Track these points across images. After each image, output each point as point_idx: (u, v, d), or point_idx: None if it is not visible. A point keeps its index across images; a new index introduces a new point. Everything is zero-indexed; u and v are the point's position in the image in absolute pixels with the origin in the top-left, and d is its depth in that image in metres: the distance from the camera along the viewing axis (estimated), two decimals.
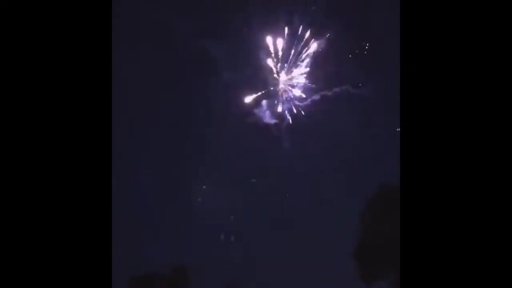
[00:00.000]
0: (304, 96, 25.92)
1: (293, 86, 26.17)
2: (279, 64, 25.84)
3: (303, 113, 25.88)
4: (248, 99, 25.70)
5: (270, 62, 25.64)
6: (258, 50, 25.25)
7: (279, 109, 26.15)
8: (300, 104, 25.97)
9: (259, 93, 25.87)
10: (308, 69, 25.69)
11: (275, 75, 26.01)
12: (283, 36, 25.14)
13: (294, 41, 25.32)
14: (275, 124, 25.72)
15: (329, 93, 25.20)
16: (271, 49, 25.34)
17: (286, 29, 25.05)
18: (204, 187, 24.88)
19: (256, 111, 25.65)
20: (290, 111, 26.00)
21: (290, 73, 26.02)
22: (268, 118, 25.74)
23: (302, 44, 25.33)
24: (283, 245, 23.30)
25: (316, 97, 25.57)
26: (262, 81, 25.76)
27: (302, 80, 25.91)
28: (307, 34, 25.03)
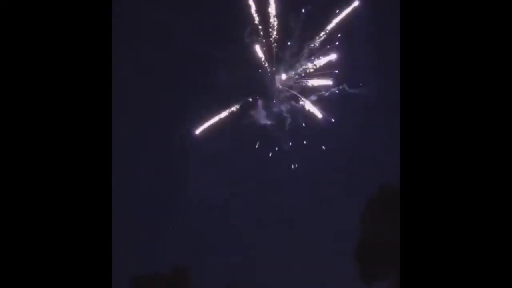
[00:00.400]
0: (302, 96, 25.59)
1: (290, 87, 25.81)
2: (274, 65, 25.48)
3: (300, 114, 25.59)
4: (245, 99, 25.42)
5: (267, 62, 25.33)
6: (256, 50, 25.00)
7: (277, 109, 25.80)
8: (297, 104, 25.66)
9: (257, 94, 25.56)
10: (306, 69, 25.39)
11: (272, 75, 25.62)
12: (279, 36, 24.85)
13: (290, 41, 24.98)
14: (273, 124, 25.44)
15: (328, 93, 25.00)
16: (267, 49, 25.01)
17: (282, 29, 24.70)
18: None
19: (253, 111, 25.36)
20: (288, 111, 25.69)
21: (287, 73, 25.69)
22: (265, 119, 25.42)
23: (298, 44, 25.06)
24: (283, 245, 23.26)
25: (314, 97, 25.34)
26: (260, 81, 25.52)
27: (300, 80, 25.57)
28: (305, 35, 24.80)
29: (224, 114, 25.00)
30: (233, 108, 25.08)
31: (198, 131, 24.57)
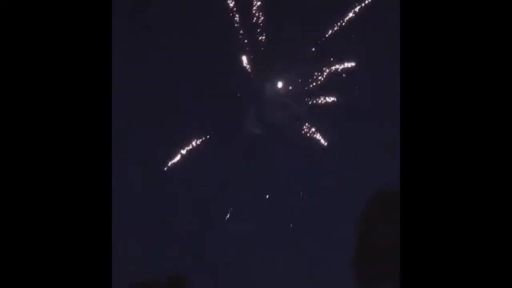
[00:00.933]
0: (297, 100, 24.92)
1: (285, 97, 24.96)
2: (265, 72, 24.64)
3: (297, 118, 24.99)
4: (234, 110, 24.75)
5: (255, 70, 24.57)
6: (242, 60, 24.44)
7: (272, 115, 24.99)
8: (292, 110, 24.99)
9: (246, 105, 24.84)
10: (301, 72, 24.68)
11: (262, 84, 24.83)
12: (269, 41, 24.23)
13: (284, 42, 24.24)
14: (268, 131, 24.77)
15: (325, 96, 24.59)
16: (256, 56, 24.22)
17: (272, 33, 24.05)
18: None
19: (246, 117, 24.74)
20: (284, 117, 24.99)
21: (281, 82, 24.77)
22: (260, 126, 24.72)
23: (294, 47, 24.39)
24: (281, 249, 23.34)
25: (310, 101, 24.89)
26: (248, 91, 24.98)
27: (295, 85, 24.76)
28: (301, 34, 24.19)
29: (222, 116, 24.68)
30: (230, 112, 24.65)
31: (169, 165, 23.87)
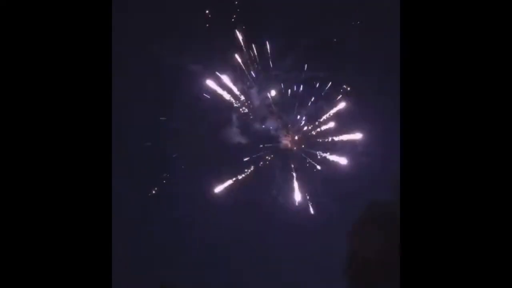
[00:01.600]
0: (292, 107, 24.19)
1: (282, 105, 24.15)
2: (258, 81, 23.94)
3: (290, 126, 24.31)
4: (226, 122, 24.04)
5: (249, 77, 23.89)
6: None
7: (265, 126, 24.14)
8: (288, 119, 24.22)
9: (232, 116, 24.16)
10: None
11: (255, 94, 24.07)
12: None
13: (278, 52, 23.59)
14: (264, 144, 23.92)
15: (323, 101, 24.18)
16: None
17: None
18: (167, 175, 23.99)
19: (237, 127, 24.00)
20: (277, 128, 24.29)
21: (276, 90, 23.89)
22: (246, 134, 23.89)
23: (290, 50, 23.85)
24: (276, 260, 23.11)
25: (307, 105, 24.37)
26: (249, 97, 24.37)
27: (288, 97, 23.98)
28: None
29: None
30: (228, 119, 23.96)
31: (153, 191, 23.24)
